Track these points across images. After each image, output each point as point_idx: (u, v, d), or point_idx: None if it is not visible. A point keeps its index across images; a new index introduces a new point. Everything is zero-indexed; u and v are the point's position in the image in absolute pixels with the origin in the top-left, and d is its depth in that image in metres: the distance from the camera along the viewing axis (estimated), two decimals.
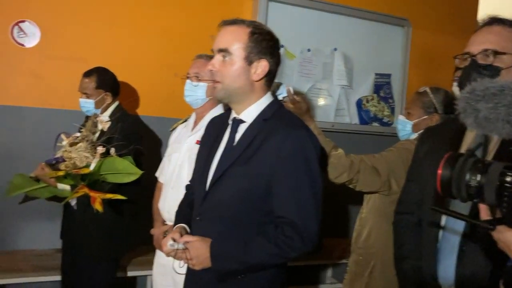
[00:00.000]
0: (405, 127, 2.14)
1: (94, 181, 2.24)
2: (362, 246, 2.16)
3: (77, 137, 2.33)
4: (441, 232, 1.42)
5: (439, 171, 1.08)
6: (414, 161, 1.63)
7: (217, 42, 1.50)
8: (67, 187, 2.36)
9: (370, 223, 2.15)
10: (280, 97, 1.90)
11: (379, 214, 2.11)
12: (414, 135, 2.13)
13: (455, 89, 2.67)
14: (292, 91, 1.92)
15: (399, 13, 3.86)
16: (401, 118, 2.18)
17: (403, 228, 1.61)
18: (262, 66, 1.49)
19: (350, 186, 2.02)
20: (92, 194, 2.16)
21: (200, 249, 1.45)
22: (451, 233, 1.38)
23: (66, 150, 2.31)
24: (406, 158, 1.97)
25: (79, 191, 2.18)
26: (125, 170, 2.27)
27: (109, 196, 2.17)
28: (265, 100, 1.55)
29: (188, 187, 1.82)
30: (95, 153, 2.27)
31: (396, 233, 1.64)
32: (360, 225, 2.22)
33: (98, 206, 2.11)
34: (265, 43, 1.48)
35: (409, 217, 1.60)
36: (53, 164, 2.40)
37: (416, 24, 3.90)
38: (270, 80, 1.55)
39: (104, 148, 2.24)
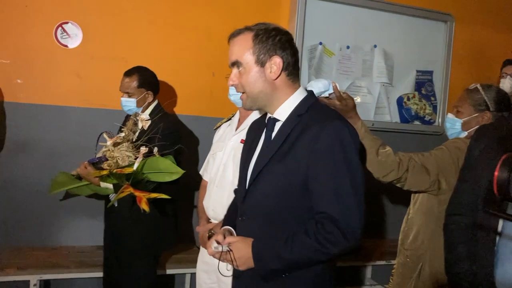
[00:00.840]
0: (454, 126, 2.06)
1: (138, 181, 2.27)
2: (410, 248, 2.09)
3: (121, 137, 2.36)
4: (498, 236, 1.35)
5: (496, 173, 1.04)
6: (468, 161, 1.56)
7: (229, 57, 1.52)
8: (110, 185, 2.40)
9: (418, 224, 2.08)
10: (326, 94, 1.86)
11: (427, 214, 2.04)
12: (464, 134, 2.05)
13: (506, 85, 2.57)
14: (338, 87, 1.88)
15: (441, 8, 3.75)
16: (450, 116, 2.09)
17: (455, 230, 1.54)
18: (275, 63, 1.47)
19: (398, 185, 1.95)
20: (137, 194, 2.19)
21: (242, 250, 1.44)
22: (509, 237, 1.32)
23: (108, 150, 2.34)
24: (457, 157, 1.90)
25: (125, 191, 2.21)
26: (167, 170, 2.29)
27: (154, 195, 2.19)
28: (298, 96, 1.53)
29: (234, 191, 1.83)
30: (136, 152, 2.29)
31: (447, 236, 1.57)
32: (407, 226, 2.16)
33: (144, 206, 2.13)
34: (271, 40, 1.47)
35: (461, 219, 1.53)
36: (96, 163, 2.44)
37: (459, 19, 3.78)
38: (292, 73, 1.52)
39: (147, 148, 2.26)
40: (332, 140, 1.39)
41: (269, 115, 1.56)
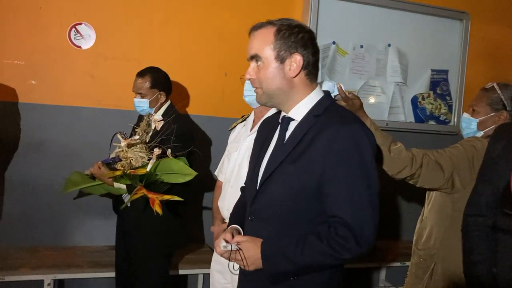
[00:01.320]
0: (470, 125, 2.02)
1: (151, 182, 2.27)
2: (423, 248, 2.06)
3: (136, 138, 2.36)
4: None
5: None
6: (487, 161, 1.52)
7: (248, 50, 1.49)
8: (123, 186, 2.40)
9: (431, 223, 2.06)
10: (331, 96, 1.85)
11: (439, 213, 2.01)
12: (480, 134, 2.01)
13: None
14: (343, 88, 1.86)
15: (457, 6, 3.69)
16: (466, 115, 2.06)
17: (474, 231, 1.51)
18: (296, 61, 1.44)
19: (411, 182, 1.92)
20: (151, 195, 2.19)
21: (250, 250, 1.42)
22: None
23: (122, 150, 2.35)
24: (472, 156, 1.87)
25: (138, 192, 2.21)
26: (180, 171, 2.29)
27: (167, 197, 2.19)
28: (315, 96, 1.49)
29: (242, 189, 1.81)
30: (150, 153, 2.29)
31: (466, 237, 1.54)
32: (421, 227, 2.13)
33: (157, 209, 2.13)
34: (293, 37, 1.44)
35: (480, 220, 1.50)
36: (110, 164, 2.45)
37: (475, 17, 3.72)
38: (311, 73, 1.49)
39: (161, 150, 2.26)
40: (348, 143, 1.36)
41: (283, 113, 1.53)
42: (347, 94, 1.83)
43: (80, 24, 3.01)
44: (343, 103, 1.81)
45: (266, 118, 1.76)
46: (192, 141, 2.51)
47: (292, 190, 1.42)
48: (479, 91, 2.05)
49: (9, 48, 2.89)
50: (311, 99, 1.49)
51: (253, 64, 1.48)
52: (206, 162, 3.20)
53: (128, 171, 2.28)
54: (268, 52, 1.44)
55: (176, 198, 2.19)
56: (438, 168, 1.87)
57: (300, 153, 1.41)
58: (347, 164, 1.36)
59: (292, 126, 1.50)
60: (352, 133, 1.37)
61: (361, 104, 1.88)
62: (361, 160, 1.37)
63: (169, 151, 2.28)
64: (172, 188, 2.32)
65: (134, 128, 2.60)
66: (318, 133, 1.41)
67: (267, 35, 1.45)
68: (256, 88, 1.49)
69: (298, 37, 1.44)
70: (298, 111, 1.48)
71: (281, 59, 1.44)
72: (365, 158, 1.37)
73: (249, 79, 1.49)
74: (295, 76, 1.46)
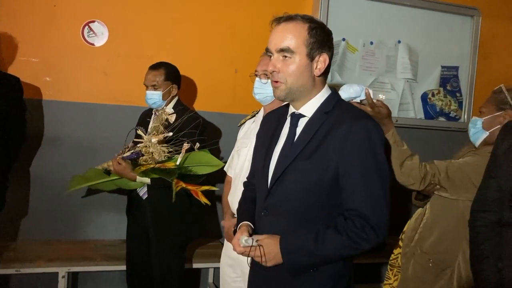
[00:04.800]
0: (476, 125, 2.01)
1: (185, 175, 2.35)
2: (432, 252, 2.01)
3: (157, 133, 2.41)
4: None
5: None
6: (494, 157, 1.54)
7: (276, 41, 1.45)
8: (146, 180, 2.44)
9: (441, 226, 2.01)
10: (357, 100, 1.85)
11: (451, 216, 1.98)
12: (486, 133, 1.98)
13: None
14: (371, 94, 1.86)
15: (467, 2, 3.68)
16: (474, 118, 2.07)
17: (481, 227, 1.52)
18: (323, 61, 1.46)
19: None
20: (191, 187, 2.30)
21: (270, 246, 1.45)
22: None
23: (146, 145, 2.39)
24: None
25: (177, 185, 2.30)
26: (208, 163, 2.36)
27: (205, 188, 2.32)
28: (324, 93, 1.52)
29: (246, 184, 1.82)
30: (171, 146, 2.36)
31: (473, 233, 1.55)
32: (422, 227, 2.09)
33: (203, 198, 2.28)
34: (323, 37, 1.46)
35: (487, 216, 1.51)
36: (134, 159, 2.48)
37: (486, 14, 3.70)
38: (327, 73, 1.53)
39: (189, 144, 2.33)
40: (362, 138, 1.40)
41: (292, 109, 1.55)
42: (374, 101, 1.84)
43: (93, 22, 3.05)
44: (368, 109, 1.82)
45: (270, 112, 1.76)
46: (205, 129, 2.62)
47: (307, 186, 1.45)
48: (489, 95, 2.06)
49: (24, 45, 2.95)
50: (321, 96, 1.52)
51: (279, 56, 1.46)
52: (216, 156, 3.23)
53: (157, 166, 2.33)
54: (300, 47, 1.43)
55: (213, 188, 2.35)
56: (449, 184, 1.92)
57: (314, 149, 1.44)
58: (361, 158, 1.40)
59: (302, 122, 1.52)
60: (365, 129, 1.41)
61: (389, 113, 1.89)
62: (374, 154, 1.41)
63: (197, 144, 2.36)
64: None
65: (136, 126, 2.64)
66: (330, 129, 1.44)
67: (300, 30, 1.44)
68: (277, 81, 1.47)
69: (326, 37, 1.47)
70: (309, 108, 1.51)
71: (311, 57, 1.45)
72: (377, 152, 1.42)
73: (273, 71, 1.47)
74: (319, 76, 1.48)
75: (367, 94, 1.83)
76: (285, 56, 1.44)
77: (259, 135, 1.72)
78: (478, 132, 2.01)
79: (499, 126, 1.92)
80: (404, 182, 1.92)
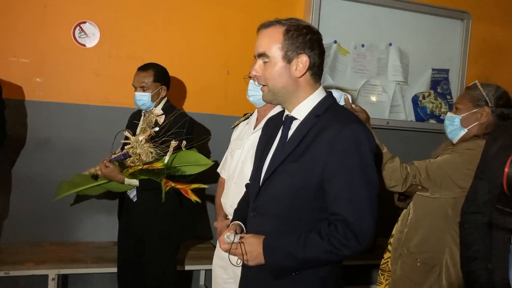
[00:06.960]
0: (453, 122, 2.01)
1: (174, 175, 2.34)
2: (418, 251, 2.01)
3: (147, 134, 2.39)
4: None
5: (506, 170, 1.03)
6: (484, 158, 1.55)
7: (256, 47, 1.50)
8: (135, 182, 2.43)
9: (425, 225, 2.02)
10: None
11: (438, 215, 1.98)
12: (463, 131, 2.00)
13: None
14: (350, 99, 1.88)
15: (457, 5, 3.71)
16: (449, 114, 2.07)
17: (471, 228, 1.53)
18: (302, 62, 1.47)
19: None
20: (180, 186, 2.28)
21: (253, 245, 1.45)
22: None
23: (132, 146, 2.38)
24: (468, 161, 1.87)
25: (166, 185, 2.28)
26: (197, 162, 2.35)
27: (194, 186, 2.30)
28: (317, 96, 1.52)
29: (246, 186, 1.84)
30: (159, 147, 2.34)
31: (463, 233, 1.56)
32: (407, 227, 2.09)
33: (193, 197, 2.25)
34: (301, 38, 1.46)
35: (477, 217, 1.53)
36: (121, 160, 2.46)
37: (476, 17, 3.74)
38: (316, 73, 1.52)
39: (177, 142, 2.31)
40: (349, 142, 1.40)
41: (286, 112, 1.56)
42: (353, 106, 1.85)
43: (85, 22, 3.04)
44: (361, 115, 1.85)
45: (271, 117, 1.78)
46: (192, 128, 2.61)
47: (294, 188, 1.45)
48: (463, 91, 2.08)
49: (15, 46, 2.93)
50: (314, 98, 1.52)
51: (259, 61, 1.50)
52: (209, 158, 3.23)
53: (145, 167, 2.32)
54: (276, 51, 1.46)
55: (202, 185, 2.32)
56: (430, 184, 1.93)
57: (302, 152, 1.44)
58: (347, 163, 1.39)
59: (294, 125, 1.53)
60: (353, 133, 1.40)
61: (367, 118, 1.91)
62: (361, 159, 1.40)
63: (184, 143, 2.34)
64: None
65: (126, 127, 2.62)
66: (319, 132, 1.44)
67: (276, 34, 1.47)
68: (263, 85, 1.51)
69: (306, 38, 1.47)
70: (301, 111, 1.51)
71: (288, 59, 1.46)
72: (365, 157, 1.41)
73: (255, 76, 1.52)
74: (300, 76, 1.49)
75: (346, 100, 1.85)
76: (264, 60, 1.48)
77: (260, 139, 1.73)
78: (456, 129, 2.02)
79: (476, 123, 1.95)
80: (386, 185, 1.93)
